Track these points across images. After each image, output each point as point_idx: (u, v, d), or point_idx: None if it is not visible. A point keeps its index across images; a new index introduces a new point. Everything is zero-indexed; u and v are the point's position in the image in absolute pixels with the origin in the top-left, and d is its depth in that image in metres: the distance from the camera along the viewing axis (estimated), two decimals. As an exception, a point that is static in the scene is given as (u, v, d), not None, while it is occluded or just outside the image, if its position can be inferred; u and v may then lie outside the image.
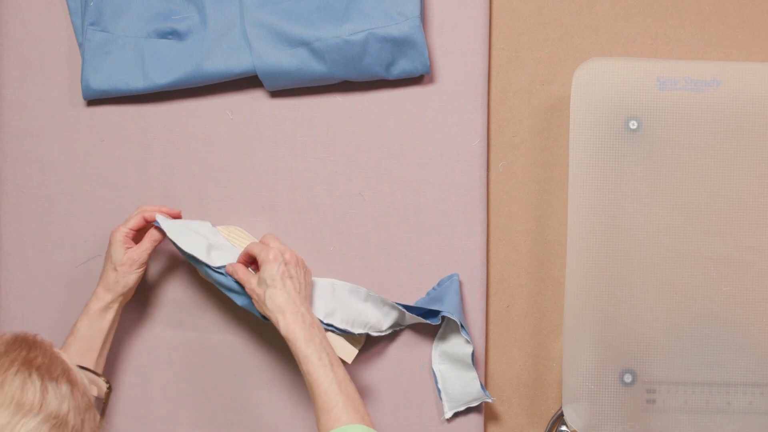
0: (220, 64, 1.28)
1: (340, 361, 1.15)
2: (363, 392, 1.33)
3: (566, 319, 1.27)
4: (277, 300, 1.16)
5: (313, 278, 1.29)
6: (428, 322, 1.29)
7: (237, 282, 1.22)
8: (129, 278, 1.23)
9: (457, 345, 1.29)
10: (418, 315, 1.29)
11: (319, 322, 1.19)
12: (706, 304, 1.27)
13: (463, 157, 1.32)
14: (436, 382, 1.31)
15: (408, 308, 1.28)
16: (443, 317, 1.29)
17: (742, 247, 1.27)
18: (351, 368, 1.33)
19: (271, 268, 1.17)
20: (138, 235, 1.26)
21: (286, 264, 1.18)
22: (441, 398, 1.31)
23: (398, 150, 1.32)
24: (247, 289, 1.20)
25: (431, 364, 1.32)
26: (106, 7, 1.31)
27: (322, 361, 1.12)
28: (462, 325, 1.26)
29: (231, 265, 1.22)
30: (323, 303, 1.26)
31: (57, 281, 1.33)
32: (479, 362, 1.33)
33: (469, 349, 1.28)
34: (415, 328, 1.33)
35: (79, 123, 1.34)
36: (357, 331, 1.26)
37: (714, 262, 1.27)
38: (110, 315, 1.23)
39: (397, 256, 1.32)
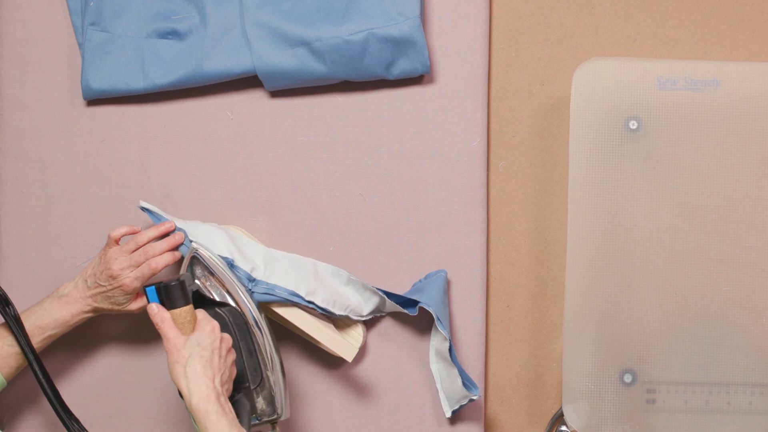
0: (220, 64, 1.28)
1: None
2: (363, 392, 1.33)
3: (566, 319, 1.27)
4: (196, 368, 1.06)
5: (295, 256, 1.29)
6: (406, 311, 1.28)
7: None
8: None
9: (439, 341, 1.29)
10: (397, 303, 1.29)
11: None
12: (706, 304, 1.27)
13: (463, 157, 1.32)
14: (436, 381, 1.32)
15: (388, 295, 1.28)
16: (421, 310, 1.28)
17: (742, 247, 1.27)
18: (351, 368, 1.33)
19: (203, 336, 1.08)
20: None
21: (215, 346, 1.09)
22: (440, 397, 1.31)
23: (398, 150, 1.32)
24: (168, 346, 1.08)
25: (429, 363, 1.32)
26: (106, 7, 1.31)
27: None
28: (438, 318, 1.26)
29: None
30: (305, 282, 1.25)
31: (57, 281, 1.33)
32: (477, 362, 1.33)
33: (446, 345, 1.27)
34: (417, 327, 1.33)
35: (79, 123, 1.34)
36: (338, 312, 1.26)
37: (714, 262, 1.27)
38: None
39: (397, 256, 1.32)
